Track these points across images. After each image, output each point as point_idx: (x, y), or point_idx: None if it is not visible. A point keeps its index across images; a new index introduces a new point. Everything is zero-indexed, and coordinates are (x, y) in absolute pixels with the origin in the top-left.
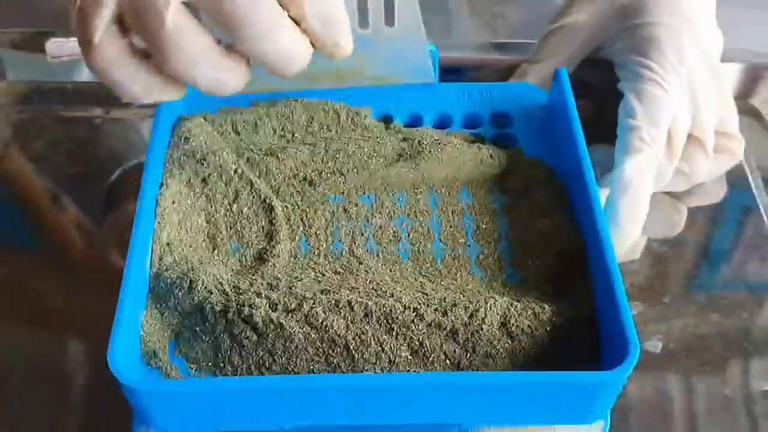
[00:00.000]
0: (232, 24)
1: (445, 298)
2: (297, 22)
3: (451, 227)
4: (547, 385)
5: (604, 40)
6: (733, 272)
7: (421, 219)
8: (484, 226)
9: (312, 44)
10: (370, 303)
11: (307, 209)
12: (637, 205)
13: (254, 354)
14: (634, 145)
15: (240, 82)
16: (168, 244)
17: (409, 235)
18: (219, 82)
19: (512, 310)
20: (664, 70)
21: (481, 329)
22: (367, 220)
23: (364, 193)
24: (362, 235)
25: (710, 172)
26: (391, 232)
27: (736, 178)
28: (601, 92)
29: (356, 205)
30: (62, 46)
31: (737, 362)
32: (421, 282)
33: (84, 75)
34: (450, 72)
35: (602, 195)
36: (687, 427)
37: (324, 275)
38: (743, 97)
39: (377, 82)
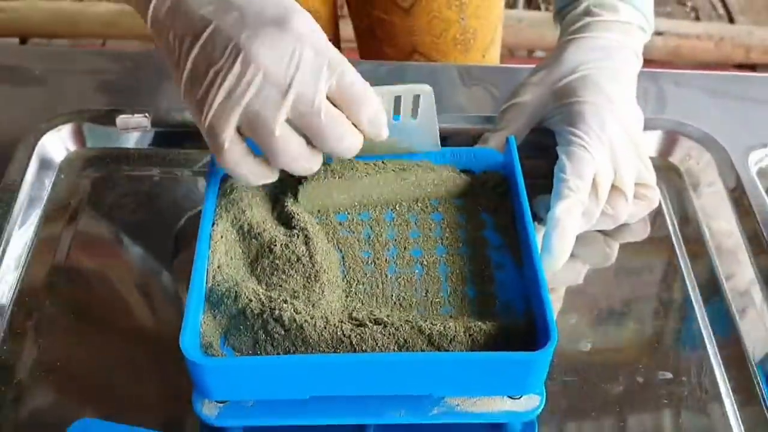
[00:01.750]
0: (319, 135)
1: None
2: (355, 125)
3: (428, 252)
4: (492, 361)
5: (545, 115)
6: (648, 291)
7: (405, 246)
8: (452, 252)
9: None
10: (372, 312)
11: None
12: (564, 237)
13: (282, 344)
14: (563, 193)
15: (317, 168)
16: (218, 267)
17: (396, 261)
18: (308, 169)
19: (473, 326)
20: (588, 136)
21: (453, 338)
22: (368, 245)
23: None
24: (363, 261)
25: (631, 215)
26: (384, 259)
27: (657, 220)
28: (554, 153)
29: (358, 239)
30: (128, 120)
31: (647, 357)
32: (405, 294)
33: (145, 142)
34: None
35: (543, 230)
36: (610, 403)
37: (333, 291)
38: (664, 156)
39: (401, 152)
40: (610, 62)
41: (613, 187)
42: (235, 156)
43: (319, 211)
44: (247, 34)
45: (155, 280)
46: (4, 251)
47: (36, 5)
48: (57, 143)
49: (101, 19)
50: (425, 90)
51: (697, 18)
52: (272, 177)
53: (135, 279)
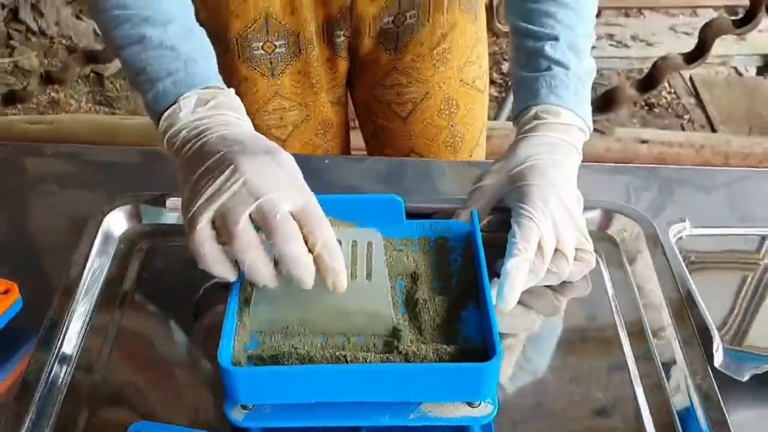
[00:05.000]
0: (270, 231)
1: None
2: (311, 250)
3: (409, 297)
4: (452, 371)
5: (503, 195)
6: (588, 336)
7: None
8: (428, 298)
9: (318, 267)
10: (364, 339)
11: None
12: (513, 286)
13: (295, 363)
14: (513, 252)
15: (268, 275)
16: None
17: None
18: (256, 265)
19: (440, 348)
20: (534, 210)
21: (425, 357)
22: None
23: None
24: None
25: (573, 273)
26: None
27: (597, 280)
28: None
29: None
30: (176, 202)
31: (584, 383)
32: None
33: None
34: (420, 215)
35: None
36: (551, 415)
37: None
38: (602, 229)
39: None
40: (554, 155)
41: (557, 250)
42: (202, 236)
43: None
44: (243, 156)
45: (194, 322)
46: (76, 303)
47: (78, 118)
48: (118, 220)
49: (137, 130)
50: (376, 236)
51: (682, 128)
52: (227, 265)
53: (179, 320)
